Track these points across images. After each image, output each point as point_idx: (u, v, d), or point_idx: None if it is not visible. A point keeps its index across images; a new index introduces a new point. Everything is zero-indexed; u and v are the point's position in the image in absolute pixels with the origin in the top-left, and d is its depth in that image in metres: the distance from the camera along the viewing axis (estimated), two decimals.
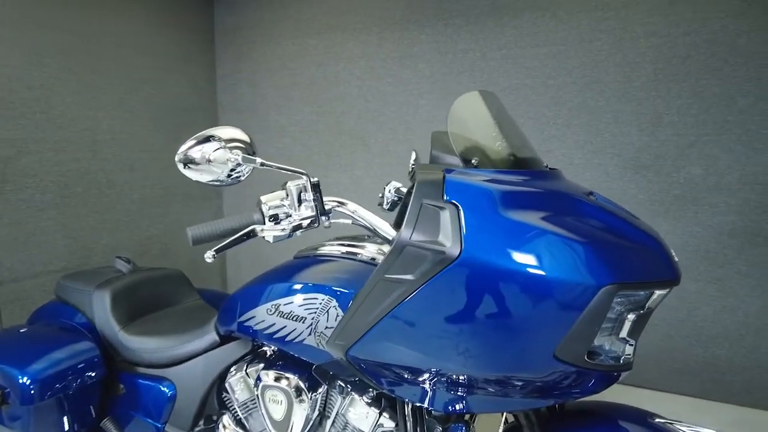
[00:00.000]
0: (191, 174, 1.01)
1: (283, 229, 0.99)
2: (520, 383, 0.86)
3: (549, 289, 0.76)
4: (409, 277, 0.82)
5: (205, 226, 0.99)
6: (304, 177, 1.01)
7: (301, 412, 1.13)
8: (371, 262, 1.12)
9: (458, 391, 0.90)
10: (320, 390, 1.15)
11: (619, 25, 2.34)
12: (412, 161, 1.69)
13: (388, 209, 1.56)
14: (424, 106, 2.75)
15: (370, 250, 1.16)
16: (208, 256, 0.97)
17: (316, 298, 1.06)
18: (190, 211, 3.13)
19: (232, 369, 1.30)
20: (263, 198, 1.02)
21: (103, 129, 2.58)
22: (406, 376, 0.91)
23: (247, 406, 1.27)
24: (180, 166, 1.00)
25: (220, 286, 3.40)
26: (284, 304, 1.10)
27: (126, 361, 1.44)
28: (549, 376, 0.84)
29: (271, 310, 1.12)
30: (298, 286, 1.10)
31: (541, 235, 0.78)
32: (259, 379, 1.19)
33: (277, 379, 1.16)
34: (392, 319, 0.85)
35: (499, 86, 2.58)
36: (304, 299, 1.08)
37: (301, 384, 1.14)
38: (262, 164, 1.00)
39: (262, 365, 1.24)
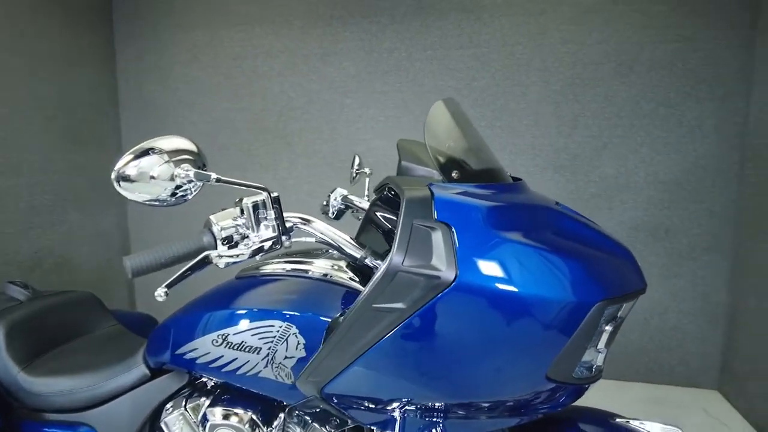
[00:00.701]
0: (127, 193, 0.85)
1: (239, 254, 0.88)
2: (494, 404, 0.83)
3: (545, 310, 0.73)
4: (399, 305, 0.75)
5: (147, 255, 0.85)
6: (264, 193, 0.90)
7: None
8: (325, 279, 1.04)
9: (435, 417, 0.86)
10: (276, 423, 1.05)
11: (538, 31, 2.43)
12: (355, 165, 1.62)
13: (334, 218, 1.48)
14: (350, 105, 2.68)
15: (320, 266, 1.08)
16: (160, 293, 0.83)
17: (273, 326, 0.96)
18: (89, 220, 2.80)
19: (167, 406, 1.15)
20: (214, 218, 0.89)
21: None
22: (386, 407, 0.84)
23: None
24: (115, 185, 0.84)
25: (127, 304, 3.08)
26: (233, 334, 0.98)
27: (29, 408, 1.22)
28: (529, 395, 0.82)
29: (217, 341, 1.00)
30: (248, 313, 0.99)
31: (535, 255, 0.76)
32: (205, 418, 1.06)
33: (226, 416, 1.04)
34: (378, 350, 0.78)
35: (425, 87, 2.58)
36: (258, 327, 0.97)
37: (255, 418, 1.03)
38: (217, 180, 0.87)
39: (204, 400, 1.11)
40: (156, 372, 1.18)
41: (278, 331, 0.96)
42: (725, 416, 2.23)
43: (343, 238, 0.93)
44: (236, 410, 1.04)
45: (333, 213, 1.43)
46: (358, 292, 0.93)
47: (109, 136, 2.92)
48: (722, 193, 2.33)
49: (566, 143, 2.47)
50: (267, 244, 0.89)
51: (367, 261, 0.93)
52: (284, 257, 1.14)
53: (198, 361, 1.03)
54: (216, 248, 0.87)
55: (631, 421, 1.04)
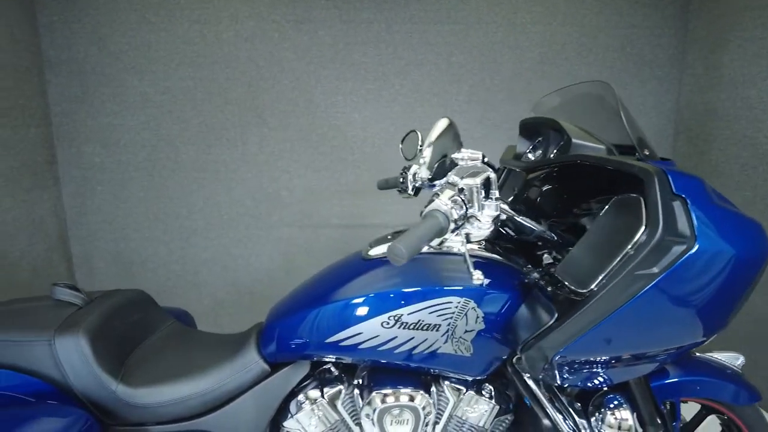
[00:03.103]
0: None
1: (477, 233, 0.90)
2: (671, 350, 0.96)
3: (750, 266, 0.87)
4: (654, 270, 0.83)
5: (410, 239, 0.80)
6: (489, 171, 0.91)
7: (424, 425, 1.05)
8: (470, 255, 1.08)
9: (614, 366, 0.97)
10: (431, 397, 1.08)
11: (511, 11, 2.58)
12: (419, 142, 1.60)
13: (413, 195, 1.47)
14: (327, 76, 2.60)
15: (456, 243, 1.11)
16: (479, 276, 0.82)
17: (451, 302, 0.99)
18: (24, 206, 2.38)
19: (299, 399, 1.12)
20: (440, 200, 0.88)
21: None
22: (594, 367, 0.93)
23: None
24: None
25: None
26: (408, 314, 0.99)
27: (130, 423, 1.09)
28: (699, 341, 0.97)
29: (388, 323, 1.00)
30: (422, 291, 1.00)
31: (740, 219, 0.88)
32: (370, 402, 1.05)
33: (397, 398, 1.04)
34: (626, 312, 0.85)
35: (404, 60, 2.60)
36: (436, 305, 0.99)
37: (422, 396, 1.05)
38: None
39: (344, 387, 1.10)
40: (274, 366, 1.13)
41: (457, 307, 0.99)
42: None
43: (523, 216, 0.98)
44: (403, 390, 1.05)
45: (412, 190, 1.43)
46: (503, 265, 1.00)
47: (35, 107, 2.47)
48: None
49: None
50: (487, 226, 0.91)
51: (545, 235, 1.00)
52: (394, 237, 1.15)
53: (361, 346, 1.02)
54: (447, 231, 0.87)
55: (697, 353, 1.25)
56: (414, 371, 1.09)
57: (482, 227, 0.94)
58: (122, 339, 1.17)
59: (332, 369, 1.15)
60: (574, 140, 1.10)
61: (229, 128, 2.62)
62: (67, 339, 1.05)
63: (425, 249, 1.09)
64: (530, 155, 1.33)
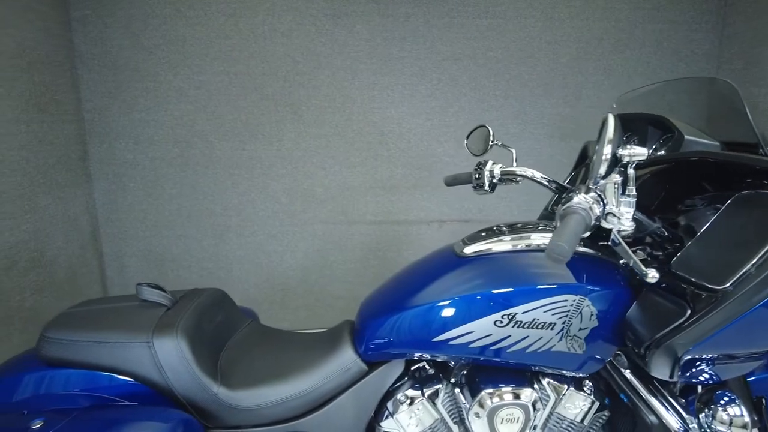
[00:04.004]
0: None
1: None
2: None
3: None
4: None
5: (568, 234, 0.79)
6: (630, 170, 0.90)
7: (531, 422, 1.04)
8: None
9: (729, 363, 0.96)
10: (535, 393, 1.07)
11: (549, 5, 2.56)
12: (490, 138, 1.57)
13: (490, 191, 1.45)
14: (364, 71, 2.57)
15: (539, 238, 1.10)
16: (655, 275, 0.81)
17: (566, 300, 0.98)
18: (60, 204, 2.34)
19: (398, 397, 1.10)
20: (579, 199, 0.86)
21: None
22: (713, 363, 0.92)
23: None
24: None
25: (100, 293, 2.67)
26: (523, 312, 0.98)
27: (229, 426, 1.07)
28: None
29: (501, 322, 0.98)
30: (536, 290, 0.99)
31: None
32: (480, 401, 1.03)
33: (507, 396, 1.03)
34: (762, 310, 0.84)
35: (442, 55, 2.58)
36: (551, 303, 0.98)
37: (531, 393, 1.04)
38: None
39: (443, 385, 1.09)
40: (370, 365, 1.12)
41: (572, 305, 0.98)
42: None
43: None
44: (511, 388, 1.04)
45: (489, 186, 1.41)
46: (605, 261, 1.00)
47: (68, 102, 2.43)
48: None
49: (571, 112, 2.68)
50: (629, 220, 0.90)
51: (659, 231, 0.99)
52: (506, 233, 1.13)
53: (472, 345, 1.01)
54: (590, 227, 0.86)
55: None
56: (512, 369, 1.08)
57: (623, 224, 0.93)
58: (212, 340, 1.15)
59: (427, 368, 1.14)
60: (686, 137, 1.09)
61: (265, 124, 2.59)
62: (166, 340, 1.02)
63: (519, 247, 1.08)
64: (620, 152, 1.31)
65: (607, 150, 0.87)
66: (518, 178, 1.42)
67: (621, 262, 1.09)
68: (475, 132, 1.57)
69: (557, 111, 2.67)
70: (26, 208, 2.11)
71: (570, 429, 1.10)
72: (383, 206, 2.73)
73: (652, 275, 0.87)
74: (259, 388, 1.07)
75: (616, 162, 0.90)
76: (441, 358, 1.08)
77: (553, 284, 0.99)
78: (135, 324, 1.06)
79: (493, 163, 1.41)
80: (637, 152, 0.88)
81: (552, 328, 0.98)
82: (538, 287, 0.99)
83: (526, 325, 0.98)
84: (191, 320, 1.10)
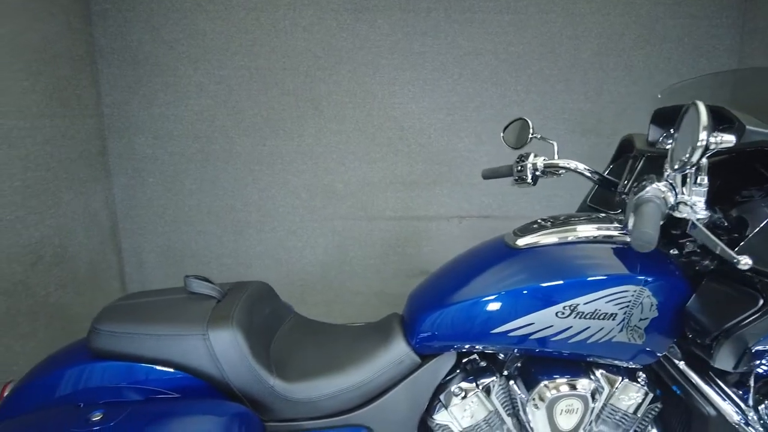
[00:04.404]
0: None
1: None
2: None
3: None
4: None
5: (652, 224, 0.78)
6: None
7: (590, 413, 1.04)
8: (608, 241, 1.06)
9: None
10: (593, 384, 1.07)
11: (570, 0, 2.56)
12: (530, 130, 1.55)
13: (533, 184, 1.44)
14: (385, 66, 2.56)
15: (592, 230, 1.09)
16: (748, 261, 0.80)
17: (627, 291, 0.97)
18: (81, 199, 2.32)
19: (452, 390, 1.09)
20: (653, 188, 0.85)
21: None
22: None
23: (478, 428, 1.10)
24: None
25: (119, 290, 2.65)
26: (584, 303, 0.97)
27: (283, 419, 1.06)
28: None
29: (563, 313, 0.98)
30: (598, 281, 0.98)
31: None
32: (539, 393, 1.03)
33: (566, 387, 1.03)
34: None
35: (463, 50, 2.57)
36: (613, 294, 0.97)
37: (588, 384, 1.04)
38: None
39: (495, 378, 1.09)
40: (422, 358, 1.11)
41: (633, 295, 0.97)
42: None
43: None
44: (571, 379, 1.04)
45: (532, 179, 1.40)
46: (655, 251, 0.99)
47: (88, 97, 2.41)
48: None
49: (592, 108, 2.67)
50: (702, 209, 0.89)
51: (719, 222, 0.98)
52: (553, 227, 1.13)
53: (532, 337, 1.00)
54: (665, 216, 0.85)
55: None
56: (566, 360, 1.08)
57: (698, 212, 0.93)
58: (263, 332, 1.14)
59: (478, 360, 1.13)
60: (748, 127, 1.08)
61: (286, 119, 2.58)
62: (222, 332, 1.01)
63: (574, 238, 1.08)
64: (665, 143, 1.31)
65: (703, 136, 0.85)
66: (560, 171, 1.41)
67: (672, 252, 1.09)
68: (513, 125, 1.57)
69: (578, 106, 2.67)
70: (50, 203, 2.10)
71: (623, 421, 1.09)
72: (403, 202, 2.72)
73: (745, 261, 0.86)
74: (313, 380, 1.06)
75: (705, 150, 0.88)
76: (497, 349, 1.08)
77: (614, 275, 0.99)
78: (188, 316, 1.04)
79: (536, 156, 1.40)
80: (726, 140, 0.87)
81: (613, 319, 0.98)
82: (600, 278, 0.98)
83: (588, 316, 0.97)
84: (243, 312, 1.09)
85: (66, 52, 2.24)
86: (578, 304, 0.97)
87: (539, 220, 1.20)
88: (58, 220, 2.14)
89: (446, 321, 1.05)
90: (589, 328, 0.98)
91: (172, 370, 1.03)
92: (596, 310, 0.97)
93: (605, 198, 1.50)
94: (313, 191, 2.67)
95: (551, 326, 0.99)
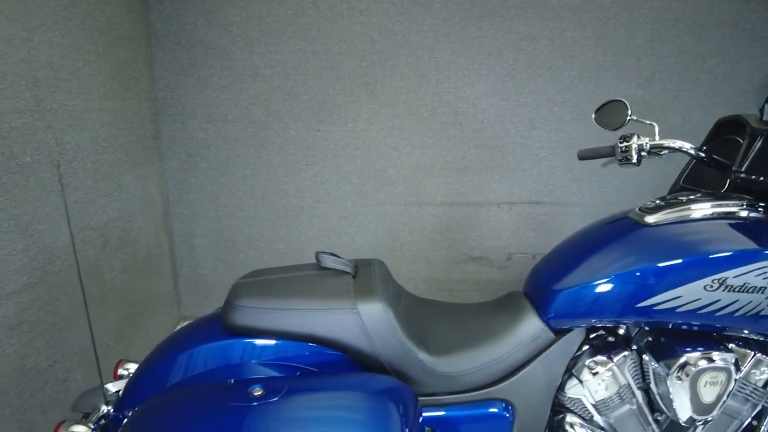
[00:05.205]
0: None
1: None
2: None
3: None
4: None
5: None
6: None
7: (732, 385, 1.05)
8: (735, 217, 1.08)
9: None
10: (735, 356, 1.08)
11: None
12: (629, 112, 1.55)
13: (637, 164, 1.44)
14: (441, 51, 2.55)
15: (723, 207, 1.10)
16: None
17: None
18: (139, 183, 2.31)
19: (587, 364, 1.11)
20: None
21: (42, 61, 1.66)
22: None
23: (611, 402, 1.11)
24: None
25: (170, 274, 2.65)
26: (734, 277, 0.98)
27: (427, 393, 1.07)
28: None
29: (711, 286, 0.99)
30: (747, 254, 0.99)
31: None
32: (683, 365, 1.04)
33: (708, 360, 1.04)
34: None
35: (519, 35, 2.56)
36: (760, 267, 0.98)
37: (729, 356, 1.05)
38: None
39: (627, 352, 1.10)
40: (558, 333, 1.12)
41: None
42: None
43: None
44: (712, 352, 1.05)
45: (636, 160, 1.40)
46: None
47: (144, 80, 2.38)
48: None
49: (643, 95, 2.67)
50: None
51: None
52: (670, 204, 1.14)
53: (679, 310, 1.01)
54: None
55: None
56: (699, 333, 1.09)
57: None
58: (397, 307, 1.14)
59: (607, 335, 1.14)
60: None
61: (340, 104, 2.56)
62: (371, 306, 1.01)
63: (709, 215, 1.08)
64: None
65: None
66: (664, 151, 1.41)
67: None
68: (607, 106, 1.56)
69: (629, 93, 2.66)
70: (115, 186, 2.08)
71: (753, 395, 1.11)
72: (454, 187, 2.72)
73: None
74: (456, 354, 1.06)
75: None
76: (639, 323, 1.08)
77: (763, 249, 0.99)
78: (333, 291, 1.04)
79: (639, 137, 1.40)
80: None
81: (762, 293, 0.99)
82: (749, 252, 0.99)
83: (737, 290, 0.98)
84: (384, 288, 1.09)
85: (126, 34, 2.21)
86: (727, 278, 0.98)
87: (658, 200, 1.21)
88: (121, 203, 2.13)
89: (586, 297, 1.06)
90: (737, 301, 0.99)
91: (313, 344, 1.03)
92: (745, 283, 0.98)
93: (700, 177, 1.51)
94: (365, 176, 2.66)
95: (698, 299, 0.99)
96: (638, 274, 1.02)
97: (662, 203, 1.16)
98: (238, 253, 2.68)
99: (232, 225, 2.66)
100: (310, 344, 1.04)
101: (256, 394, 0.91)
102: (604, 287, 1.04)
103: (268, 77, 2.51)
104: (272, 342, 1.04)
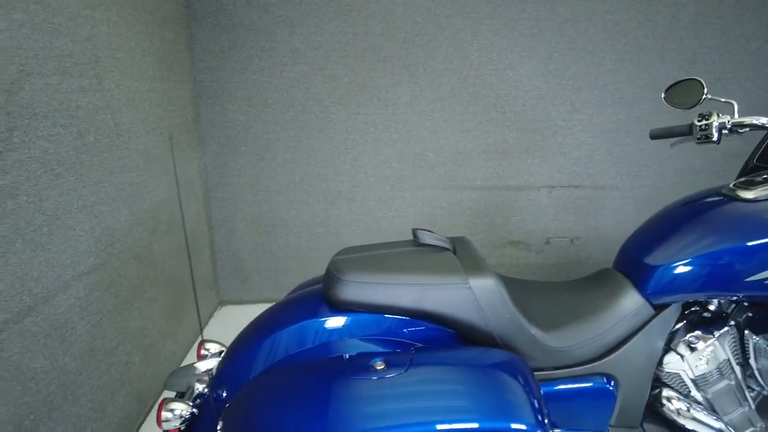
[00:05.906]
0: None
1: None
2: None
3: None
4: None
5: None
6: None
7: None
8: None
9: None
10: None
11: None
12: (705, 91, 1.54)
13: (717, 143, 1.43)
14: (484, 32, 2.52)
15: None
16: None
17: None
18: (182, 166, 2.28)
19: (689, 339, 1.10)
20: None
21: (102, 40, 1.63)
22: None
23: (710, 377, 1.11)
24: None
25: (209, 259, 2.63)
26: None
27: (536, 368, 1.06)
28: None
29: None
30: None
31: None
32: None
33: None
34: None
35: (561, 17, 2.53)
36: None
37: None
38: None
39: (728, 327, 1.09)
40: (657, 309, 1.12)
41: None
42: None
43: None
44: None
45: (717, 138, 1.39)
46: None
47: (184, 61, 2.35)
48: None
49: (685, 77, 2.65)
50: None
51: None
52: (762, 182, 1.13)
53: None
54: None
55: None
56: None
57: None
58: None
59: (701, 310, 1.14)
60: None
61: (381, 87, 2.54)
62: (483, 281, 1.00)
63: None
64: None
65: None
66: (745, 129, 1.40)
67: None
68: (679, 86, 1.55)
69: (671, 75, 2.64)
70: (163, 168, 2.06)
71: None
72: (494, 170, 2.70)
73: None
74: (563, 329, 1.06)
75: None
76: (746, 297, 1.07)
77: None
78: (441, 266, 1.03)
79: (720, 114, 1.38)
80: None
81: None
82: None
83: None
84: (484, 263, 1.08)
85: (170, 15, 2.17)
86: None
87: (745, 178, 1.20)
88: (168, 186, 2.11)
89: (690, 271, 1.05)
90: None
91: (421, 320, 1.02)
92: None
93: None
94: (405, 160, 2.64)
95: None
96: (748, 248, 1.01)
97: (759, 180, 1.15)
98: (277, 237, 2.67)
99: (271, 209, 2.64)
100: (418, 320, 1.03)
101: (378, 368, 0.90)
102: (711, 261, 1.03)
103: (309, 59, 2.47)
104: (379, 317, 1.03)
